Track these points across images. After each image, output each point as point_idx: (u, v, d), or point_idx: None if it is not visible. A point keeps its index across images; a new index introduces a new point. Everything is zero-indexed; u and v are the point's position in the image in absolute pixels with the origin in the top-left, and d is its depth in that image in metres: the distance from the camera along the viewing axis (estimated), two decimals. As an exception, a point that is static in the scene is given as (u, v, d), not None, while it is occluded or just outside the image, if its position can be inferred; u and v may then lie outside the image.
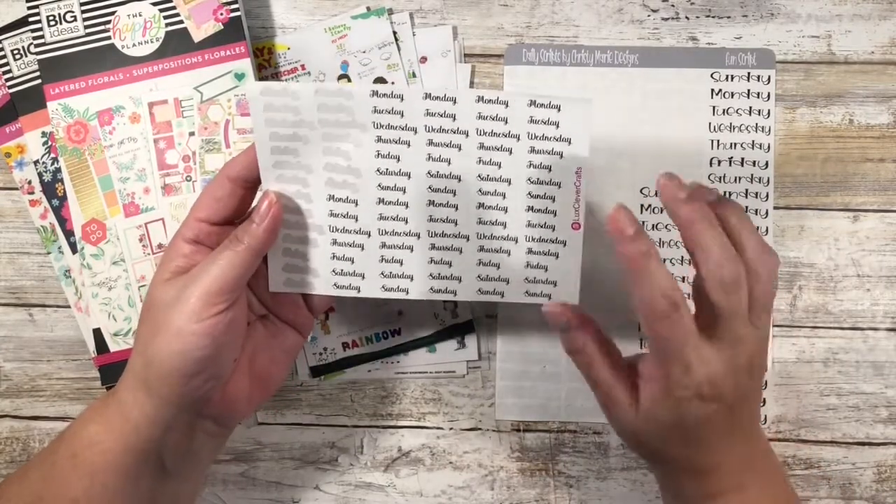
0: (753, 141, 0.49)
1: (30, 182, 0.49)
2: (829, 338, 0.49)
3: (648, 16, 0.50)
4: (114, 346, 0.46)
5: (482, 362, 0.49)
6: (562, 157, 0.41)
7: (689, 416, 0.36)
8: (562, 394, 0.49)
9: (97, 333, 0.47)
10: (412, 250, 0.42)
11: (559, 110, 0.40)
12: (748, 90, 0.49)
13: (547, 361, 0.49)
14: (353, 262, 0.42)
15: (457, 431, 0.50)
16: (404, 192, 0.41)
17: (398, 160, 0.41)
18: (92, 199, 0.47)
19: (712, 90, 0.49)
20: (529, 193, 0.41)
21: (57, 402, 0.50)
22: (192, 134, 0.47)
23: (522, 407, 0.49)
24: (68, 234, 0.47)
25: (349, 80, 0.49)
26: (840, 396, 0.49)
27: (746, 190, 0.49)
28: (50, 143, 0.48)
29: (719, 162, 0.49)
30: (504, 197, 0.42)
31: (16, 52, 0.48)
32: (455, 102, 0.40)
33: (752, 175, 0.49)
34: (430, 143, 0.41)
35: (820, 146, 0.50)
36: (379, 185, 0.41)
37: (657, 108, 0.49)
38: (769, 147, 0.49)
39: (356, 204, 0.41)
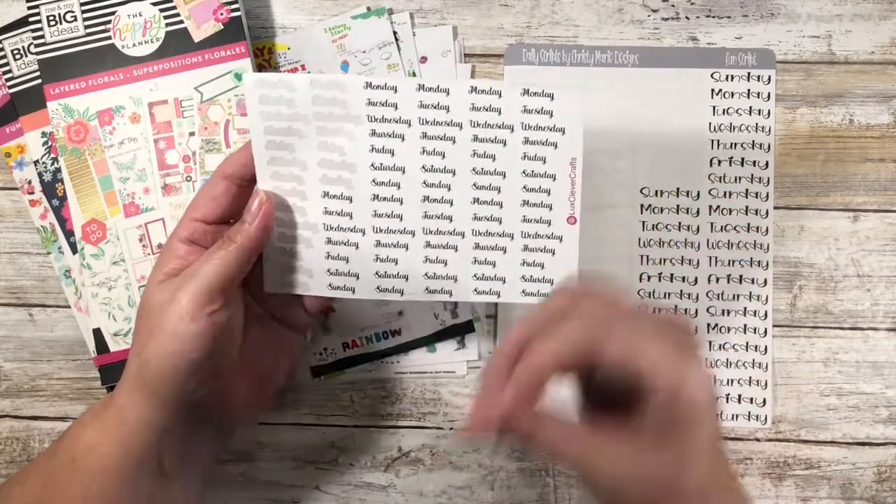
0: (753, 141, 0.49)
1: (30, 182, 0.49)
2: (829, 338, 0.49)
3: (648, 16, 0.50)
4: (114, 346, 0.46)
5: (482, 362, 0.49)
6: (556, 147, 0.41)
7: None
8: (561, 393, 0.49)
9: (97, 333, 0.47)
10: (407, 248, 0.41)
11: (552, 99, 0.40)
12: (748, 90, 0.49)
13: (547, 361, 0.49)
14: (347, 261, 0.41)
15: (457, 431, 0.50)
16: (399, 187, 0.41)
17: (392, 154, 0.40)
18: (92, 199, 0.47)
19: (712, 90, 0.49)
20: (524, 187, 0.41)
21: (57, 402, 0.50)
22: (192, 134, 0.47)
23: None
24: (68, 234, 0.47)
25: (349, 80, 0.49)
26: (840, 396, 0.49)
27: (746, 190, 0.49)
28: (50, 143, 0.48)
29: (719, 162, 0.49)
30: (499, 191, 0.41)
31: (16, 52, 0.48)
32: (448, 94, 0.40)
33: (752, 175, 0.49)
34: (424, 136, 0.40)
35: (820, 146, 0.50)
36: (373, 181, 0.41)
37: (657, 107, 0.49)
38: (769, 147, 0.49)
39: (350, 200, 0.41)
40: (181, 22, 0.47)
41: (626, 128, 0.49)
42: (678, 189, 0.49)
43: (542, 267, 0.42)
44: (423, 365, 0.50)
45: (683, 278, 0.48)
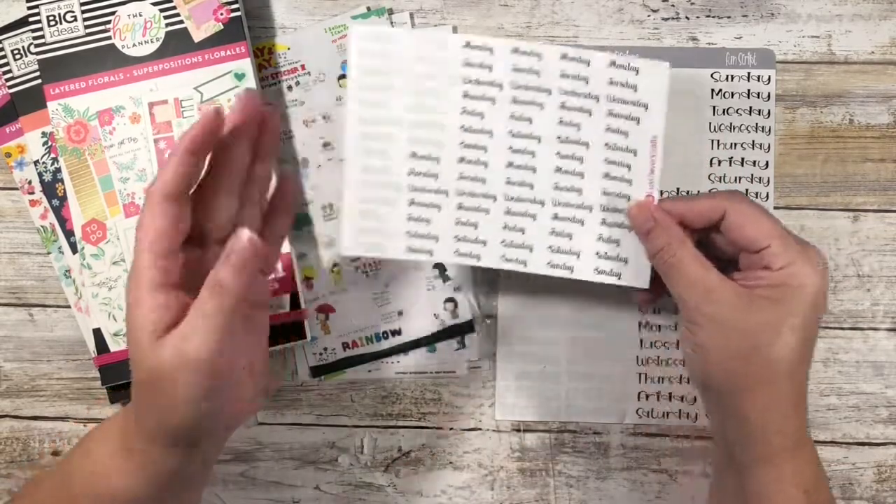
0: (753, 141, 0.49)
1: (30, 182, 0.49)
2: (829, 338, 0.49)
3: (648, 16, 0.50)
4: (114, 346, 0.46)
5: (482, 362, 0.49)
6: (638, 123, 0.41)
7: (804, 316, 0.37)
8: (562, 394, 0.49)
9: (97, 333, 0.47)
10: (488, 213, 0.41)
11: (637, 73, 0.41)
12: (748, 90, 0.49)
13: (547, 361, 0.49)
14: (428, 223, 0.41)
15: (457, 431, 0.50)
16: (486, 150, 0.41)
17: (482, 117, 0.40)
18: (92, 199, 0.46)
19: (712, 90, 0.49)
20: (606, 159, 0.41)
21: (57, 402, 0.50)
22: (192, 134, 0.47)
23: (522, 407, 0.49)
24: (68, 234, 0.47)
25: (349, 80, 0.49)
26: (840, 396, 0.49)
27: (747, 190, 0.49)
28: (50, 143, 0.48)
29: (719, 162, 0.49)
30: (581, 161, 0.41)
31: (16, 52, 0.48)
32: (540, 58, 0.40)
33: (752, 175, 0.49)
34: (514, 100, 0.40)
35: (820, 146, 0.50)
36: (462, 143, 0.40)
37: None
38: (769, 147, 0.49)
39: (437, 161, 0.40)
40: (181, 22, 0.47)
41: None
42: (678, 189, 0.49)
43: (618, 244, 0.42)
44: (423, 365, 0.49)
45: None
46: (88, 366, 0.49)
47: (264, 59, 0.49)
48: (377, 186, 0.40)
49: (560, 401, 0.49)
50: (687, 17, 0.50)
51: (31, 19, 0.47)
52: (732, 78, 0.49)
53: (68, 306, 0.49)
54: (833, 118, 0.50)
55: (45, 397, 0.50)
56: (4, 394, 0.50)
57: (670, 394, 0.48)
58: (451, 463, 0.49)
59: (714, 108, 0.49)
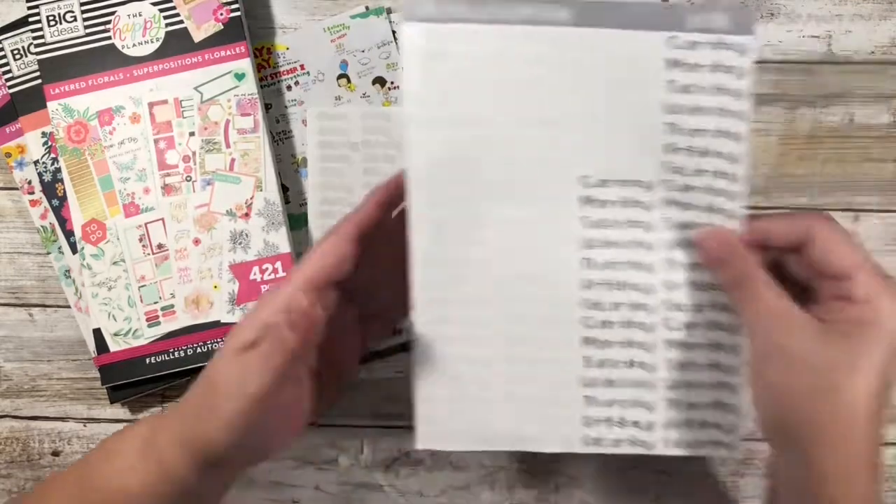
0: (720, 128, 0.37)
1: (30, 182, 0.49)
2: (829, 338, 0.49)
3: (648, 16, 0.50)
4: (114, 346, 0.46)
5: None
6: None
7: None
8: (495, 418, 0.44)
9: (97, 333, 0.47)
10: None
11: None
12: (716, 62, 0.37)
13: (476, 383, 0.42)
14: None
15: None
16: None
17: None
18: (92, 199, 0.47)
19: (667, 60, 0.37)
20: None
21: (57, 402, 0.50)
22: (192, 134, 0.47)
23: (449, 433, 0.41)
24: (68, 234, 0.47)
25: (348, 80, 0.49)
26: (840, 396, 0.49)
27: (710, 185, 0.37)
28: (50, 143, 0.48)
29: (675, 149, 0.37)
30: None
31: (16, 52, 0.48)
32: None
33: (717, 170, 0.37)
34: None
35: (820, 146, 0.50)
36: None
37: (596, 80, 0.37)
38: (740, 136, 0.37)
39: None
40: (181, 22, 0.47)
41: (558, 102, 0.38)
42: (626, 179, 0.38)
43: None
44: (422, 365, 0.49)
45: (636, 286, 0.39)
46: (88, 366, 0.49)
47: (263, 59, 0.49)
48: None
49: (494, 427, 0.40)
50: (687, 17, 0.50)
51: (31, 19, 0.47)
52: (696, 45, 0.37)
53: (68, 306, 0.49)
54: (833, 118, 0.50)
55: (45, 397, 0.50)
56: (4, 394, 0.50)
57: (622, 418, 0.39)
58: (450, 463, 0.49)
59: (671, 82, 0.37)
